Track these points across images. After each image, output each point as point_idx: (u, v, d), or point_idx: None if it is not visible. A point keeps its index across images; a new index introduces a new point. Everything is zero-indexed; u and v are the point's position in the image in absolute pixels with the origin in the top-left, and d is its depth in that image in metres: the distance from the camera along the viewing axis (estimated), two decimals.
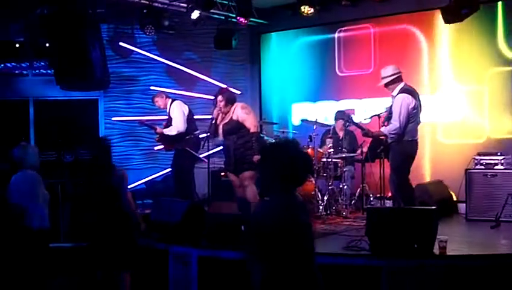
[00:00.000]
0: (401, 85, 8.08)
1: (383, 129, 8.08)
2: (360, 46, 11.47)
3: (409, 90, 7.99)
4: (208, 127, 8.88)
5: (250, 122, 8.53)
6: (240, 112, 8.53)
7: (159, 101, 10.10)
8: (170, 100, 10.04)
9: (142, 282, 7.48)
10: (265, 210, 3.63)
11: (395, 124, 7.81)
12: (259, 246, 3.56)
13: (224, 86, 10.57)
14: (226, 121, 8.65)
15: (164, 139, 9.99)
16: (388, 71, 8.19)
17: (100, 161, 6.70)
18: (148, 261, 7.40)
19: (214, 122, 8.73)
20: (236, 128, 8.51)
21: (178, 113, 9.81)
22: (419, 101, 8.03)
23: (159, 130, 9.93)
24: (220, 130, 8.71)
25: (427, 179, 10.03)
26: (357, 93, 11.36)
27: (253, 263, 3.66)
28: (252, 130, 8.48)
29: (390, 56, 10.68)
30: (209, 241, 7.01)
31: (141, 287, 7.49)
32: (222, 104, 8.59)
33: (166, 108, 10.01)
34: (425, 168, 9.83)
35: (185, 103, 10.21)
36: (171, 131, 9.74)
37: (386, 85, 8.21)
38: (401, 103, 7.81)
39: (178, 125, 9.71)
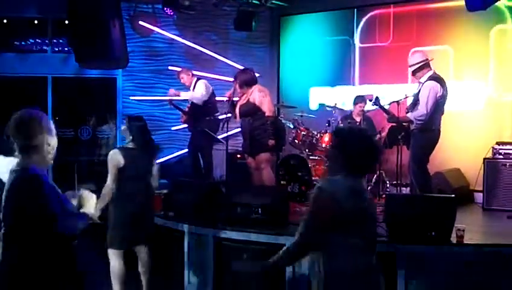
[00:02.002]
0: (430, 72, 8.00)
1: (409, 115, 8.02)
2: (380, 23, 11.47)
3: (438, 79, 7.91)
4: (227, 108, 8.89)
5: (267, 106, 8.52)
6: (257, 95, 8.53)
7: (185, 78, 10.08)
8: (195, 78, 10.02)
9: (158, 261, 7.51)
10: (332, 187, 3.64)
11: (422, 110, 7.74)
12: (318, 223, 3.60)
13: (241, 67, 10.59)
14: (243, 102, 8.65)
15: (189, 119, 9.99)
16: (416, 58, 8.12)
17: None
18: (164, 241, 7.43)
19: (229, 102, 8.74)
20: (252, 110, 8.51)
21: (203, 87, 9.87)
22: (446, 90, 7.96)
23: (177, 93, 9.93)
24: (237, 111, 8.70)
25: (445, 167, 9.96)
26: (376, 77, 11.30)
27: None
28: (267, 114, 8.47)
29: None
30: (226, 223, 7.01)
31: (157, 266, 7.52)
32: (237, 85, 8.59)
33: (190, 86, 9.98)
34: (444, 156, 9.75)
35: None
36: (191, 96, 9.79)
37: (414, 73, 8.14)
38: (430, 90, 7.74)
39: (201, 96, 9.73)
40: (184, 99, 10.49)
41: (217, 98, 10.38)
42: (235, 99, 8.81)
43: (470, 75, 10.23)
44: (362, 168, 3.76)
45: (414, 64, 8.08)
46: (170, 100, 10.31)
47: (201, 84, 9.93)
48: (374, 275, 3.73)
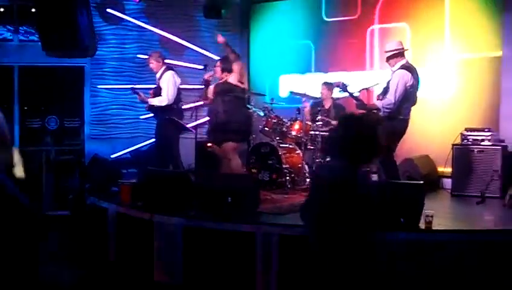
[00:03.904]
0: (403, 61, 7.98)
1: (377, 103, 7.99)
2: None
3: (409, 68, 7.89)
4: (201, 93, 8.89)
5: (245, 79, 8.66)
6: (238, 77, 8.54)
7: (154, 63, 9.77)
8: (164, 67, 9.79)
9: (127, 251, 7.48)
10: (330, 173, 3.63)
11: (390, 98, 7.72)
12: (316, 208, 3.59)
13: (211, 55, 10.56)
14: (219, 82, 8.66)
15: (152, 108, 9.86)
16: (392, 45, 8.11)
17: None
18: (133, 231, 7.38)
19: (205, 83, 8.72)
20: (228, 89, 8.46)
21: (170, 85, 9.59)
22: (418, 80, 7.97)
23: (143, 98, 9.76)
24: (210, 93, 8.66)
25: (415, 153, 10.00)
26: (346, 64, 11.30)
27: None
28: (245, 87, 8.54)
29: None
30: (195, 212, 6.97)
31: (126, 256, 7.48)
32: (218, 69, 8.58)
33: (157, 72, 9.77)
34: (413, 142, 9.78)
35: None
36: (159, 102, 9.56)
37: (387, 59, 8.14)
38: (399, 79, 7.72)
39: (169, 98, 9.52)
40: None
41: (187, 86, 10.28)
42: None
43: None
44: (361, 157, 3.72)
45: (389, 51, 8.06)
46: (133, 88, 10.11)
47: (170, 79, 9.62)
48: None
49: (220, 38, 8.63)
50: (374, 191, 3.83)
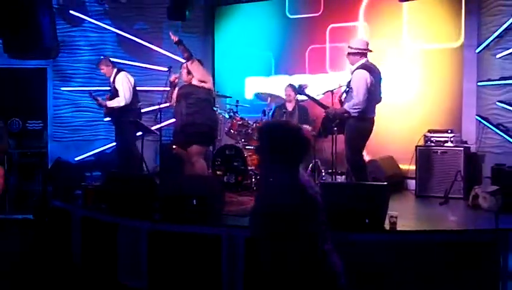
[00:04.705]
0: (362, 61, 7.95)
1: (345, 106, 7.95)
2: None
3: (367, 67, 7.85)
4: (167, 94, 8.82)
5: (209, 79, 8.56)
6: (198, 76, 8.46)
7: (104, 69, 9.82)
8: (116, 70, 9.79)
9: (91, 254, 7.41)
10: (272, 191, 3.56)
11: (356, 99, 7.70)
12: (268, 227, 3.50)
13: (175, 57, 10.53)
14: (183, 85, 8.61)
15: (112, 111, 9.78)
16: (356, 43, 8.07)
17: None
18: (96, 234, 7.32)
19: (170, 85, 8.68)
20: (192, 91, 8.39)
21: (125, 85, 9.59)
22: (379, 78, 7.99)
23: (101, 102, 9.70)
24: (175, 94, 8.61)
25: (379, 155, 10.06)
26: (311, 67, 11.34)
27: (262, 243, 3.62)
28: (209, 87, 8.48)
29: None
30: (159, 215, 6.93)
31: (90, 259, 7.42)
32: (184, 71, 8.51)
33: (110, 76, 9.76)
34: (378, 144, 9.83)
35: (133, 75, 10.04)
36: (117, 103, 9.51)
37: (349, 54, 8.08)
38: (359, 78, 7.70)
39: (126, 98, 9.51)
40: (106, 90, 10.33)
41: (148, 88, 10.21)
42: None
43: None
44: (292, 159, 3.69)
45: (353, 48, 8.02)
46: (90, 93, 10.06)
47: (123, 79, 9.60)
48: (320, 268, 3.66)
49: (173, 37, 8.55)
50: (319, 193, 3.77)
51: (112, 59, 10.18)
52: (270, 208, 3.49)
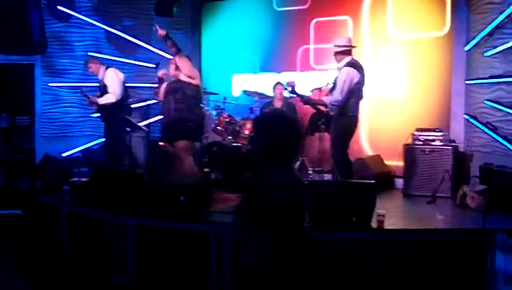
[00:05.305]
0: (348, 58, 7.98)
1: (324, 98, 8.01)
2: None
3: (355, 65, 7.91)
4: (155, 89, 8.80)
5: (197, 75, 8.51)
6: (186, 72, 8.43)
7: (92, 67, 9.80)
8: (104, 67, 9.76)
9: (78, 251, 7.38)
10: (266, 184, 3.49)
11: (336, 95, 7.74)
12: (257, 220, 3.43)
13: (162, 53, 10.51)
14: (171, 80, 8.58)
15: (102, 108, 9.75)
16: (341, 41, 8.11)
17: None
18: (84, 230, 7.29)
19: (158, 81, 8.64)
20: (179, 87, 8.37)
21: (115, 80, 9.56)
22: (364, 76, 8.01)
23: (92, 99, 9.66)
24: (162, 90, 8.58)
25: (367, 153, 10.07)
26: (298, 64, 11.34)
27: (246, 237, 3.55)
28: (197, 83, 8.42)
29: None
30: (147, 211, 6.92)
31: (78, 255, 7.39)
32: (172, 67, 8.47)
33: (98, 74, 9.74)
34: (365, 142, 9.86)
35: (122, 71, 10.01)
36: (108, 99, 9.48)
37: (335, 54, 8.13)
38: (346, 76, 7.74)
39: (116, 94, 9.47)
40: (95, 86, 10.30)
41: (136, 84, 10.19)
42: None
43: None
44: (287, 155, 3.64)
45: (338, 46, 8.07)
46: (82, 90, 10.02)
47: (112, 75, 9.59)
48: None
49: (160, 31, 8.50)
50: (305, 190, 3.70)
51: (99, 55, 10.15)
52: (269, 206, 3.40)
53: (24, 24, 9.87)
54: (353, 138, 8.18)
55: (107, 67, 9.75)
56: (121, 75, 9.71)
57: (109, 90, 9.48)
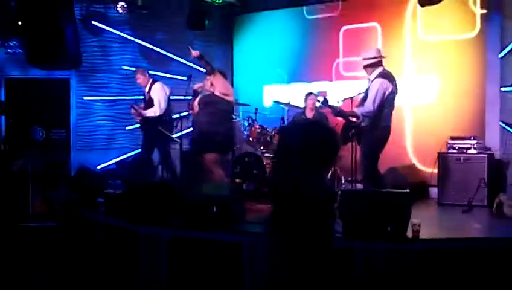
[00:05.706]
0: (380, 70, 7.86)
1: (355, 109, 7.94)
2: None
3: (387, 75, 7.78)
4: (190, 101, 8.86)
5: (231, 92, 8.65)
6: (221, 90, 8.47)
7: (141, 78, 9.99)
8: (151, 80, 9.94)
9: (113, 263, 7.41)
10: (294, 185, 3.46)
11: (368, 106, 7.65)
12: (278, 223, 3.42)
13: (195, 66, 10.62)
14: (205, 94, 8.64)
15: (144, 120, 9.87)
16: (370, 53, 7.99)
17: None
18: (118, 243, 7.32)
19: (193, 94, 8.73)
20: (213, 101, 8.42)
21: (161, 95, 9.76)
22: (396, 86, 7.91)
23: (140, 111, 9.79)
24: (196, 103, 8.62)
25: (400, 162, 9.99)
26: (330, 74, 11.32)
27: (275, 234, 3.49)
28: (231, 100, 8.52)
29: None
30: (180, 222, 6.93)
31: (111, 268, 7.41)
32: (208, 83, 8.53)
33: (146, 86, 9.89)
34: (399, 151, 9.77)
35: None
36: (154, 113, 9.65)
37: (365, 67, 8.05)
38: (378, 87, 7.63)
39: (161, 108, 9.67)
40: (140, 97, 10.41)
41: (172, 97, 10.28)
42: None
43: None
44: (323, 162, 3.59)
45: (367, 59, 7.97)
46: (131, 105, 10.16)
47: (159, 89, 9.75)
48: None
49: (194, 53, 8.58)
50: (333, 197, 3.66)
51: (132, 68, 10.27)
52: (291, 208, 3.36)
53: (59, 39, 10.01)
54: (394, 144, 8.12)
55: (154, 81, 9.90)
56: (168, 90, 9.87)
57: (154, 103, 9.64)
